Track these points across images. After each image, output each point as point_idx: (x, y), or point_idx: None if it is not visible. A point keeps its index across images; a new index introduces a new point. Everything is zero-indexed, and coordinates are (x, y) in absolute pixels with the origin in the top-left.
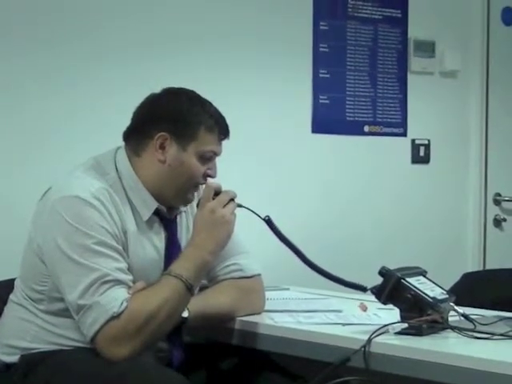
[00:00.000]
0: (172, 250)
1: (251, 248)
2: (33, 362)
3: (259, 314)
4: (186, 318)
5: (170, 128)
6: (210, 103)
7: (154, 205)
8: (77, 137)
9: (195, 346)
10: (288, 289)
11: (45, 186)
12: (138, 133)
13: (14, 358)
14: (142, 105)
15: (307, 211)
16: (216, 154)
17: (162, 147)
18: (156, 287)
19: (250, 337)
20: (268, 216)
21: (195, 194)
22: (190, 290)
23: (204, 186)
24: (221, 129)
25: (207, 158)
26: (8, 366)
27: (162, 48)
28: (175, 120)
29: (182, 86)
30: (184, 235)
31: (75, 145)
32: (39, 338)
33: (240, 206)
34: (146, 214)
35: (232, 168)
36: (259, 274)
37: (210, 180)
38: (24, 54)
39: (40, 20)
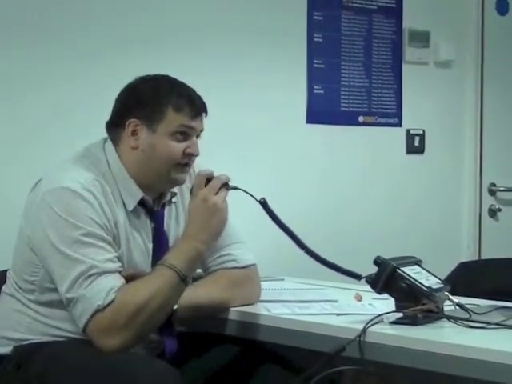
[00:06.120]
0: (159, 241)
1: (246, 238)
2: (26, 353)
3: (254, 304)
4: (174, 310)
5: (139, 113)
6: (182, 83)
7: (140, 195)
8: (71, 129)
9: (190, 335)
10: (283, 279)
11: (36, 177)
12: (114, 123)
13: (7, 350)
14: (117, 96)
15: (302, 202)
16: (191, 128)
17: (134, 134)
18: (148, 278)
19: (245, 327)
20: (263, 198)
21: (187, 177)
22: (183, 280)
23: (196, 173)
24: (192, 106)
25: (182, 136)
26: (1, 358)
27: (157, 41)
28: (143, 104)
29: (176, 78)
30: (173, 227)
31: (70, 137)
32: (32, 328)
33: (235, 188)
34: (131, 204)
35: (226, 159)
36: (254, 264)
37: (199, 166)
38: (20, 47)
39: (35, 13)
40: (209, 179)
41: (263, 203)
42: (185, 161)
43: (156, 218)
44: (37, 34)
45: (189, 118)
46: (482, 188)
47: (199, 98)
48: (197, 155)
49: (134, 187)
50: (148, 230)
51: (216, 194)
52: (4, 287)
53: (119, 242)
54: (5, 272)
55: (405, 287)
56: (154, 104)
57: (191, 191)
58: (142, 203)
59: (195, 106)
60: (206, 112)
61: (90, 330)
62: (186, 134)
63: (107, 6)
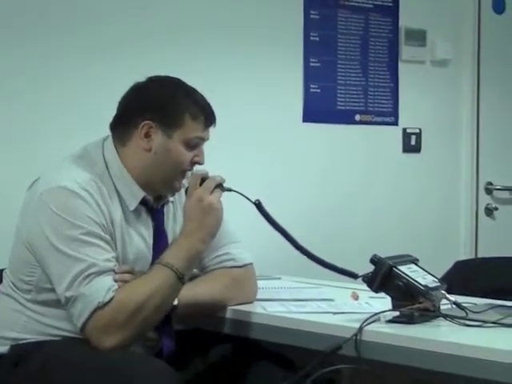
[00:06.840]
0: (159, 239)
1: (242, 237)
2: (22, 353)
3: (251, 303)
4: (175, 306)
5: (155, 116)
6: (195, 90)
7: (141, 194)
8: (70, 128)
9: (187, 333)
10: (280, 278)
11: (34, 177)
12: (123, 122)
13: (3, 349)
14: (127, 94)
15: (299, 201)
16: (203, 139)
17: (148, 136)
18: (146, 277)
19: (241, 326)
20: (258, 200)
21: (183, 182)
22: (180, 279)
23: (191, 173)
24: (206, 116)
25: (193, 145)
26: None
27: (153, 39)
28: (160, 108)
29: (186, 83)
30: (170, 225)
31: (69, 136)
32: (28, 328)
33: (229, 190)
34: (133, 203)
35: (223, 158)
36: (251, 263)
37: (196, 167)
38: (18, 46)
39: (34, 12)
40: (203, 179)
41: (258, 205)
42: (189, 168)
43: (157, 216)
44: (36, 32)
45: (203, 127)
46: (478, 187)
47: (210, 107)
48: (202, 164)
49: (136, 187)
50: (149, 228)
51: (210, 194)
52: (0, 287)
53: (116, 241)
54: (1, 271)
55: (401, 286)
56: (172, 109)
57: (186, 191)
58: (143, 202)
59: (208, 116)
60: (215, 124)
61: (88, 329)
62: (197, 144)
63: (107, 4)
